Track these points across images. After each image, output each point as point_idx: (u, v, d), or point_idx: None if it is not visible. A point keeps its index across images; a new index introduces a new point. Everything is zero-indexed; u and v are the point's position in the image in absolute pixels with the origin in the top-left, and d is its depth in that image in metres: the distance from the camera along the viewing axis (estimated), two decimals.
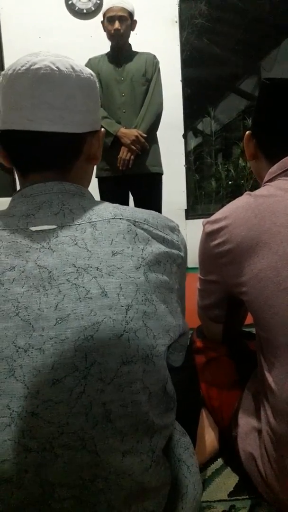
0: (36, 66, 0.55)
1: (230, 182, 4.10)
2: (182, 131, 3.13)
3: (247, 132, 0.85)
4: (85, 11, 2.94)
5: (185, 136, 3.17)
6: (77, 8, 2.94)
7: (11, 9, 2.92)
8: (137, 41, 2.35)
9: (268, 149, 0.80)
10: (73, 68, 0.57)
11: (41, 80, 0.55)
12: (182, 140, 3.14)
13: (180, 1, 3.03)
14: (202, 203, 4.08)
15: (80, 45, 2.81)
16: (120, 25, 2.08)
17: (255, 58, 4.31)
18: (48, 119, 0.56)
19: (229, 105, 4.62)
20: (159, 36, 2.97)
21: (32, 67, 0.55)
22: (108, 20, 2.10)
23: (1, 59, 2.97)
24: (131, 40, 2.22)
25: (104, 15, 2.12)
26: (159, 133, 2.29)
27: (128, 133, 2.09)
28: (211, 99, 4.32)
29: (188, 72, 3.26)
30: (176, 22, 3.03)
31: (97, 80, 0.63)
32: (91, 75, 0.61)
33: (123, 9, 2.07)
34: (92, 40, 2.80)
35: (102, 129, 0.67)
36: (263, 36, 4.08)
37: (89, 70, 0.61)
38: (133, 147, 2.08)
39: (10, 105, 0.56)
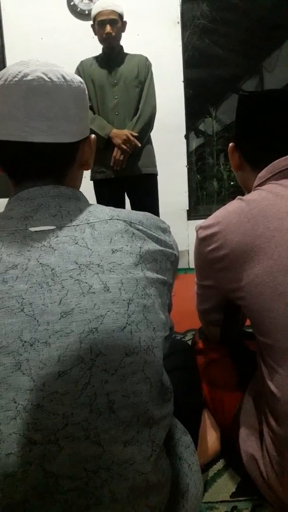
0: (29, 77, 0.55)
1: (232, 183, 4.10)
2: (184, 132, 3.13)
3: (231, 144, 0.86)
4: (86, 12, 2.94)
5: (186, 136, 3.16)
6: (78, 9, 2.94)
7: (13, 10, 2.93)
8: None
9: (253, 159, 0.81)
10: (64, 78, 0.58)
11: (34, 92, 0.55)
12: (184, 141, 3.14)
13: (182, 2, 3.02)
14: (204, 203, 4.07)
15: (82, 46, 2.81)
16: (111, 29, 2.08)
17: (257, 58, 4.30)
18: (42, 130, 0.56)
19: (231, 106, 4.60)
20: (161, 37, 2.96)
21: (24, 79, 0.55)
22: (99, 24, 2.09)
23: (3, 60, 2.98)
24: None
25: (94, 19, 2.10)
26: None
27: (119, 133, 2.09)
28: (213, 99, 4.32)
29: (190, 72, 3.25)
30: (178, 23, 3.03)
31: (85, 86, 0.64)
32: (81, 82, 0.62)
33: (113, 12, 2.06)
34: (94, 40, 2.78)
35: (93, 135, 0.68)
36: (265, 36, 4.07)
37: (78, 78, 0.62)
38: (123, 146, 2.09)
39: (3, 115, 0.56)
